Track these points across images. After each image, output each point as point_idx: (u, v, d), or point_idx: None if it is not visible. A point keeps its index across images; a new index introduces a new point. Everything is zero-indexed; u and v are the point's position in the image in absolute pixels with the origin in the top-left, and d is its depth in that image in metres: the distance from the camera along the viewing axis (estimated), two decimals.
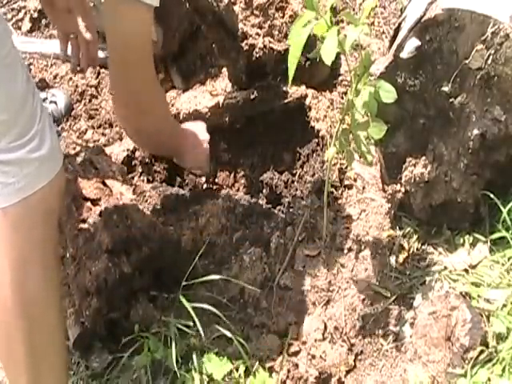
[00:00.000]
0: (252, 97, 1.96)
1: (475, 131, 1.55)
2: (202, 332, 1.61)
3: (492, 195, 1.61)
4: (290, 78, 1.33)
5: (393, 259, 1.68)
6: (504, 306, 1.53)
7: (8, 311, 1.22)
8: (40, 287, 1.25)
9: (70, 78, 2.28)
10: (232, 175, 2.03)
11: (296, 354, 1.60)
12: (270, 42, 1.94)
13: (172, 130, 1.78)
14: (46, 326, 1.28)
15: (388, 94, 1.34)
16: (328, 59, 1.26)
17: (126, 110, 1.58)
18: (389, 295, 1.63)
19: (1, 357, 1.30)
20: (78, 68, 1.76)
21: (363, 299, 1.63)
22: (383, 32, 2.23)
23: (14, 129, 1.17)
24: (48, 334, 1.29)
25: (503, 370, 1.46)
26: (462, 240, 1.70)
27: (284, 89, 1.97)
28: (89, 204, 1.64)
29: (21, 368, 1.26)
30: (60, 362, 1.34)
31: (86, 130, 2.15)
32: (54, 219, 1.30)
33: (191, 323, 1.60)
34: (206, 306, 1.63)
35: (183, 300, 1.61)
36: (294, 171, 1.93)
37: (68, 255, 1.61)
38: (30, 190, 1.21)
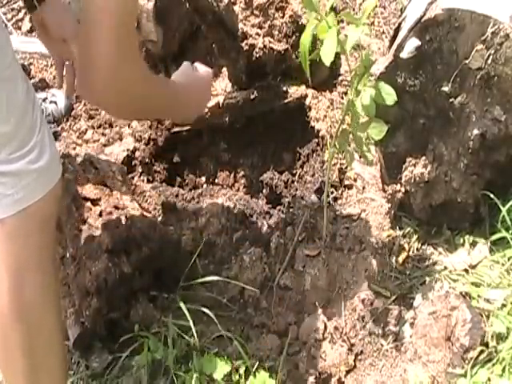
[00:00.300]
0: (252, 97, 1.96)
1: (475, 131, 1.55)
2: (201, 332, 1.61)
3: (492, 195, 1.62)
4: (308, 74, 1.35)
5: (393, 259, 1.68)
6: (504, 305, 1.53)
7: (5, 318, 1.22)
8: (37, 293, 1.25)
9: None
10: (232, 175, 2.03)
11: (296, 353, 1.60)
12: (270, 42, 1.94)
13: (163, 94, 1.50)
14: (44, 332, 1.28)
15: (388, 96, 1.34)
16: (327, 60, 1.27)
17: (104, 92, 1.30)
18: (389, 295, 1.63)
19: (0, 362, 1.30)
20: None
21: (363, 299, 1.62)
22: (383, 32, 2.24)
23: (14, 140, 1.17)
24: (46, 338, 1.29)
25: (503, 370, 1.46)
26: (462, 240, 1.70)
27: (284, 89, 1.97)
28: (89, 204, 1.64)
29: (19, 374, 1.26)
30: (59, 366, 1.34)
31: (86, 129, 2.15)
32: (50, 225, 1.29)
33: (191, 323, 1.60)
34: (203, 307, 1.63)
35: (180, 303, 1.61)
36: (294, 171, 1.93)
37: (68, 255, 1.61)
38: (28, 201, 1.21)
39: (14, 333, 1.23)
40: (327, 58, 1.27)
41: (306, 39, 1.31)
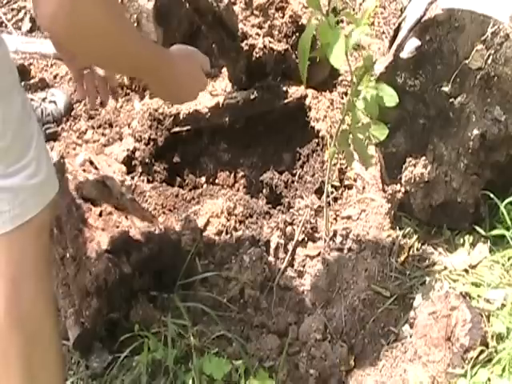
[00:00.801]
0: (252, 97, 1.95)
1: (475, 131, 1.55)
2: (201, 332, 1.61)
3: (492, 195, 1.62)
4: (304, 77, 1.34)
5: (393, 259, 1.68)
6: (504, 305, 1.53)
7: (3, 328, 1.21)
8: (35, 302, 1.24)
9: (70, 78, 2.28)
10: (232, 175, 2.03)
11: (296, 353, 1.59)
12: (270, 42, 1.94)
13: (148, 56, 1.31)
14: (42, 341, 1.27)
15: (390, 97, 1.34)
16: (337, 63, 1.26)
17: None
18: (389, 295, 1.63)
19: None
20: (98, 102, 1.65)
21: (363, 299, 1.63)
22: (383, 32, 2.24)
23: (11, 153, 1.17)
24: (44, 348, 1.28)
25: (503, 369, 1.46)
26: (462, 240, 1.70)
27: (284, 89, 1.97)
28: (89, 204, 1.64)
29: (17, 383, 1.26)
30: (57, 374, 1.33)
31: (86, 129, 2.15)
32: (45, 234, 1.29)
33: (191, 323, 1.60)
34: (202, 306, 1.63)
35: (177, 299, 1.61)
36: (294, 171, 1.93)
37: (68, 255, 1.61)
38: (25, 217, 1.20)
39: (11, 343, 1.22)
40: (337, 60, 1.26)
41: (305, 40, 1.31)
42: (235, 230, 1.77)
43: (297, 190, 1.87)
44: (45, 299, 1.27)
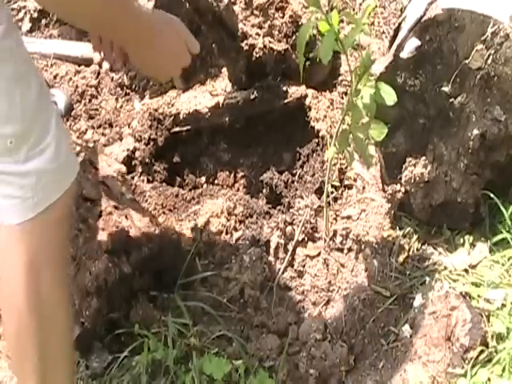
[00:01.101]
0: (252, 97, 1.95)
1: (475, 131, 1.55)
2: (201, 332, 1.61)
3: (492, 195, 1.62)
4: (301, 70, 1.33)
5: (393, 259, 1.68)
6: (504, 305, 1.54)
7: (22, 315, 1.22)
8: (53, 289, 1.25)
9: (70, 78, 2.28)
10: (232, 175, 2.03)
11: (296, 353, 1.60)
12: (270, 42, 1.94)
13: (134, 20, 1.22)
14: (58, 327, 1.28)
15: (388, 96, 1.34)
16: (325, 58, 1.27)
17: None
18: (389, 295, 1.63)
19: (12, 358, 1.30)
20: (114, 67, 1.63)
21: (363, 299, 1.63)
22: (383, 32, 2.23)
23: (31, 136, 1.18)
24: (60, 334, 1.29)
25: (503, 369, 1.46)
26: (462, 240, 1.70)
27: (284, 89, 1.97)
28: (89, 204, 1.64)
29: (31, 370, 1.26)
30: (70, 360, 1.35)
31: (86, 129, 2.14)
32: (66, 221, 1.30)
33: (191, 323, 1.60)
34: (203, 305, 1.63)
35: (177, 299, 1.61)
36: (294, 171, 1.93)
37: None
38: (47, 203, 1.21)
39: (29, 327, 1.23)
40: (325, 56, 1.27)
41: (303, 34, 1.31)
42: (235, 229, 1.77)
43: (297, 189, 1.87)
44: (61, 287, 1.28)
